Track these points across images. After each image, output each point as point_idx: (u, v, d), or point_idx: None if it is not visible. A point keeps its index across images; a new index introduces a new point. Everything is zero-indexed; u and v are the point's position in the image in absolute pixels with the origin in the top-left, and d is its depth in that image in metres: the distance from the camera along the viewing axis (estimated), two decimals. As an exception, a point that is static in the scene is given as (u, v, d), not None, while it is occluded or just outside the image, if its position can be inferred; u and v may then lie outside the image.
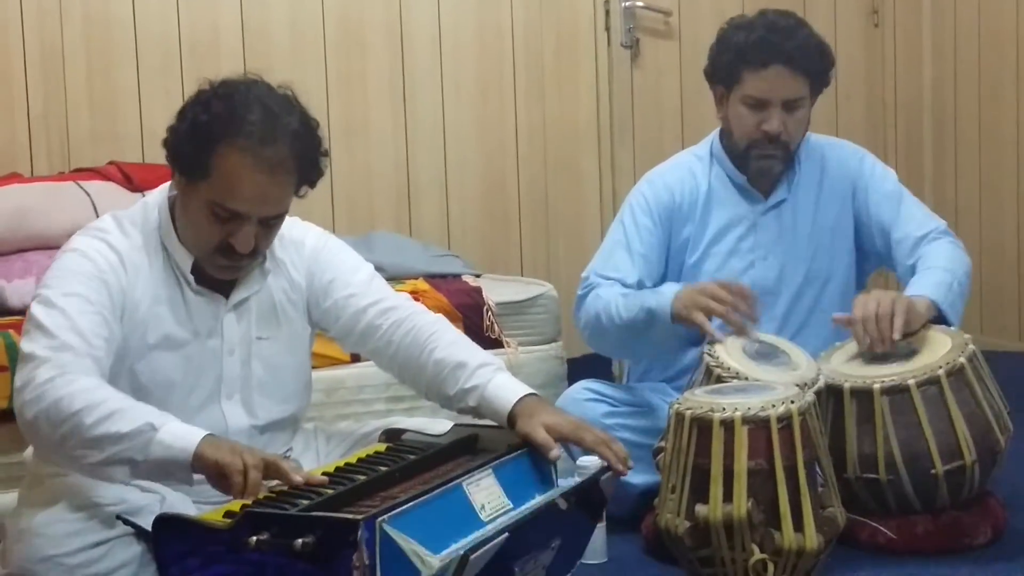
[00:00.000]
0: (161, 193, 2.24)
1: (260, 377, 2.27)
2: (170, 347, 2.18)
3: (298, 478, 1.94)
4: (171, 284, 2.19)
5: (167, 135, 2.16)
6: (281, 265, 2.29)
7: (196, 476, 1.96)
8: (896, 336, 2.54)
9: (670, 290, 2.71)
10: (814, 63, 2.79)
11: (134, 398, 2.10)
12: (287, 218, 2.24)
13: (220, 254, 2.14)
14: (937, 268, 2.73)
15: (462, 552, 1.77)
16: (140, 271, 2.16)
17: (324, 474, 2.03)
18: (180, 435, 1.95)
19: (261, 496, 1.92)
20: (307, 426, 2.48)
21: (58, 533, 1.98)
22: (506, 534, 1.84)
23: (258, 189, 2.08)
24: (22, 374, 2.02)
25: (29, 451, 2.31)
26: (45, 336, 2.02)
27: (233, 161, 2.06)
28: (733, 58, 2.79)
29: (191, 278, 2.20)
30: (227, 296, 2.23)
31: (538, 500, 2.06)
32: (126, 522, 2.02)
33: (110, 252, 2.14)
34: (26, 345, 2.04)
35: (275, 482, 1.95)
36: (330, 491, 1.93)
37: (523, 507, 2.02)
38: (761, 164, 2.84)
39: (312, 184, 2.20)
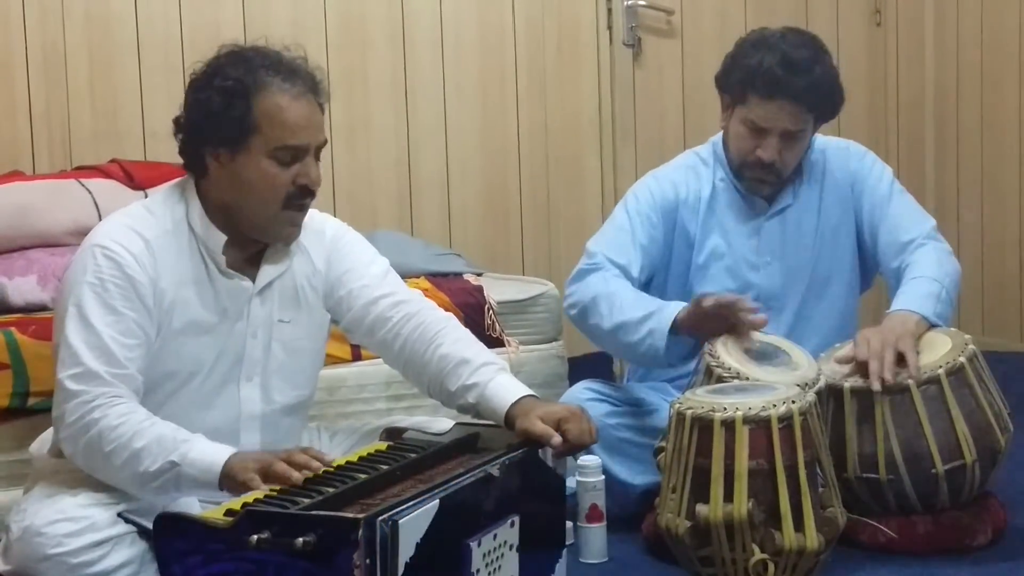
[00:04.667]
0: (186, 180, 2.26)
1: (280, 360, 2.29)
2: (196, 332, 2.20)
3: (321, 461, 2.02)
4: (199, 268, 2.21)
5: (183, 127, 2.21)
6: (304, 251, 2.32)
7: None
8: (914, 372, 2.51)
9: (676, 304, 2.69)
10: (822, 102, 2.77)
11: (159, 383, 2.15)
12: (308, 214, 2.31)
13: (291, 206, 2.19)
14: (924, 278, 2.70)
15: (391, 519, 1.77)
16: (168, 255, 2.18)
17: (325, 473, 2.04)
18: (202, 468, 2.01)
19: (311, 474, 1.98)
20: (311, 425, 2.48)
21: (59, 532, 1.99)
22: (436, 500, 1.84)
23: (306, 116, 2.18)
24: (55, 402, 2.10)
25: (35, 447, 2.31)
26: (73, 363, 2.07)
27: (274, 102, 2.15)
28: (742, 79, 2.76)
29: (221, 260, 2.21)
30: (253, 280, 2.25)
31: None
32: (128, 520, 2.03)
33: (136, 240, 2.16)
34: (59, 368, 2.10)
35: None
36: (331, 490, 1.93)
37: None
38: (750, 185, 2.85)
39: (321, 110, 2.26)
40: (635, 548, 2.63)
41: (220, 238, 2.20)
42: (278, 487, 1.96)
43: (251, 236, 2.24)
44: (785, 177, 2.84)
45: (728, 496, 2.27)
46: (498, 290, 3.31)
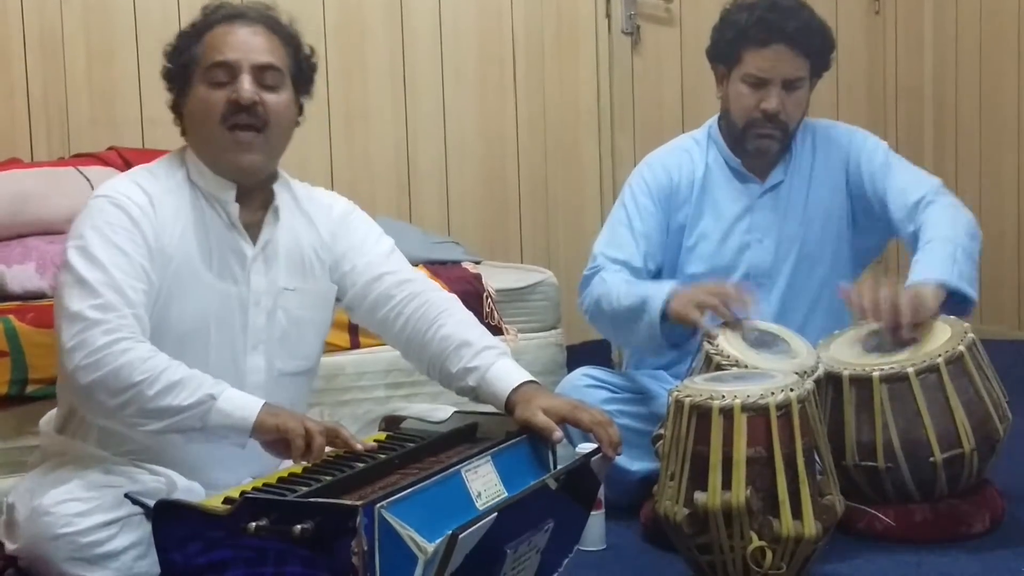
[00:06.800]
0: (185, 148, 2.28)
1: (283, 328, 2.29)
2: (194, 286, 2.19)
3: (359, 445, 2.04)
4: (200, 225, 2.21)
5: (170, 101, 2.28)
6: (311, 221, 2.33)
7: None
8: (904, 321, 2.52)
9: (666, 286, 2.70)
10: (815, 44, 2.80)
11: (158, 341, 2.13)
12: (318, 189, 2.38)
13: (229, 125, 2.18)
14: (936, 240, 2.67)
15: (450, 532, 1.77)
16: (169, 211, 2.19)
17: (325, 460, 2.05)
18: (239, 404, 2.02)
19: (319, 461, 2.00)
20: (313, 410, 2.48)
21: (69, 512, 2.00)
22: (495, 514, 1.84)
23: (240, 39, 2.21)
24: (70, 333, 2.03)
25: (43, 423, 2.31)
26: (90, 294, 2.04)
27: (216, 31, 2.22)
28: (734, 37, 2.80)
29: (234, 208, 2.22)
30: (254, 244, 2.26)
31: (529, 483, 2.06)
32: (134, 501, 2.02)
33: (140, 194, 2.17)
34: (71, 302, 2.05)
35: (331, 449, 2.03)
36: (329, 478, 1.94)
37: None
38: (759, 144, 2.84)
39: (303, 73, 2.30)
40: (633, 535, 2.63)
41: (230, 186, 2.22)
42: (289, 472, 1.98)
43: (220, 174, 2.22)
44: (790, 132, 2.85)
45: (726, 484, 2.27)
46: (496, 278, 3.31)
